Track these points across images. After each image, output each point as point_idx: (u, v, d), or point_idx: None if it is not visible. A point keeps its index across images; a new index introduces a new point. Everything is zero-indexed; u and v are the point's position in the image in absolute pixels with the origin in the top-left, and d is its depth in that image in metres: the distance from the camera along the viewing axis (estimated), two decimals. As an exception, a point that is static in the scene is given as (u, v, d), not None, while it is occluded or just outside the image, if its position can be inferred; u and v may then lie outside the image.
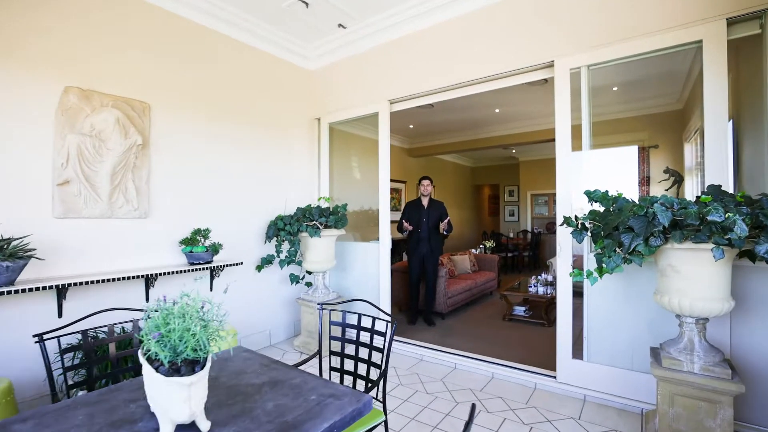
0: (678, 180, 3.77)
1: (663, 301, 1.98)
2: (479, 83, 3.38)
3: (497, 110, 6.76)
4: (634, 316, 2.56)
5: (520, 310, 4.90)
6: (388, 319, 1.81)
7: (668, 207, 1.80)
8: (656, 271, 2.11)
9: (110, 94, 2.98)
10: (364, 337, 2.28)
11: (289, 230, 3.61)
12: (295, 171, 4.39)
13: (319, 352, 2.06)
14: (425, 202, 4.73)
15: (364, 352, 2.37)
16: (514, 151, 10.62)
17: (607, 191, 2.26)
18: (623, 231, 1.94)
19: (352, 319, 3.89)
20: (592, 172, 3.08)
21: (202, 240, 3.33)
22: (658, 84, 5.38)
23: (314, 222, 3.59)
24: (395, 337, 3.95)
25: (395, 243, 8.16)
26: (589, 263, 2.73)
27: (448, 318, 5.02)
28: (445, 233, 4.69)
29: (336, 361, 3.10)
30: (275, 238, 3.77)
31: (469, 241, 12.72)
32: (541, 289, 4.86)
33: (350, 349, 3.06)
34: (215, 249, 3.32)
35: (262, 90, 4.07)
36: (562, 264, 2.84)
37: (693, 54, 3.79)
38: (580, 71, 2.81)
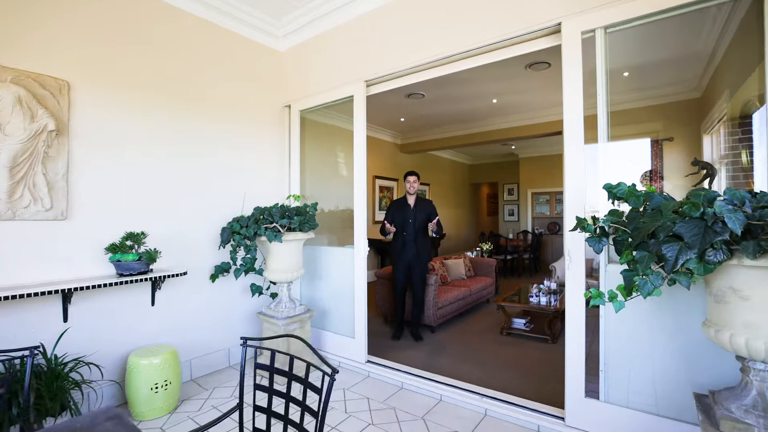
0: (711, 173, 3.19)
1: (721, 339, 1.41)
2: (471, 56, 2.80)
3: (495, 101, 6.18)
4: (667, 346, 1.99)
5: (519, 323, 4.33)
6: (327, 370, 1.24)
7: (738, 206, 1.23)
8: (706, 293, 1.53)
9: (12, 67, 2.40)
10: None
11: (244, 234, 3.04)
12: (261, 166, 3.82)
13: (239, 408, 1.49)
14: (411, 200, 4.16)
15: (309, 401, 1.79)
16: (513, 147, 10.06)
17: (634, 185, 1.69)
18: (664, 240, 1.36)
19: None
20: (609, 168, 2.46)
21: (136, 246, 2.76)
22: (674, 69, 4.82)
23: (274, 224, 3.02)
24: (373, 360, 3.37)
25: (387, 245, 7.62)
26: (609, 279, 2.15)
27: (439, 331, 4.45)
28: (434, 235, 4.13)
29: (262, 420, 2.48)
30: (230, 243, 3.20)
31: (466, 242, 12.15)
32: (543, 299, 4.29)
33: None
34: (151, 257, 2.74)
35: (223, 73, 3.50)
36: (572, 279, 2.26)
37: (720, 27, 3.23)
38: (595, 36, 2.23)
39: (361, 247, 3.29)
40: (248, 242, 3.09)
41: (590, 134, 2.33)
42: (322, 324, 3.73)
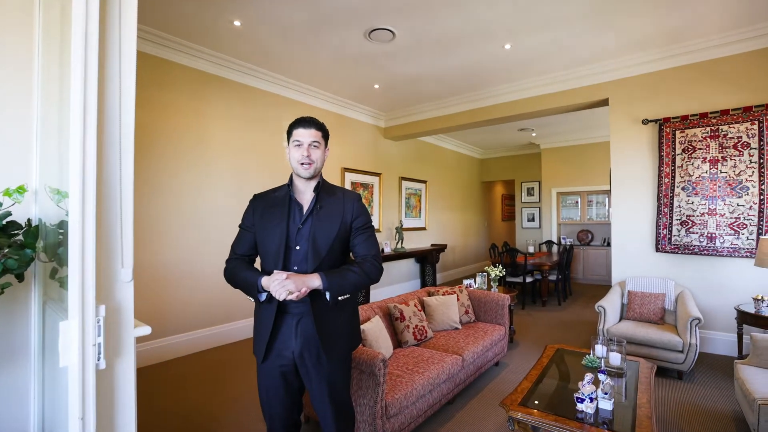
0: None
1: None
2: None
3: (507, 46, 3.98)
4: None
5: (555, 450, 2.11)
6: None
7: None
8: None
9: None
10: None
11: None
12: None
13: None
14: (305, 192, 1.66)
15: None
16: (534, 134, 7.79)
17: None
18: None
19: None
20: None
21: None
22: None
23: None
24: None
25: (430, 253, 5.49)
26: None
27: (393, 460, 2.27)
28: (329, 300, 1.54)
29: None
30: None
31: (475, 256, 9.89)
32: (606, 405, 2.06)
33: None
34: None
35: None
36: None
37: None
38: None
39: (75, 314, 1.12)
40: None
41: None
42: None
